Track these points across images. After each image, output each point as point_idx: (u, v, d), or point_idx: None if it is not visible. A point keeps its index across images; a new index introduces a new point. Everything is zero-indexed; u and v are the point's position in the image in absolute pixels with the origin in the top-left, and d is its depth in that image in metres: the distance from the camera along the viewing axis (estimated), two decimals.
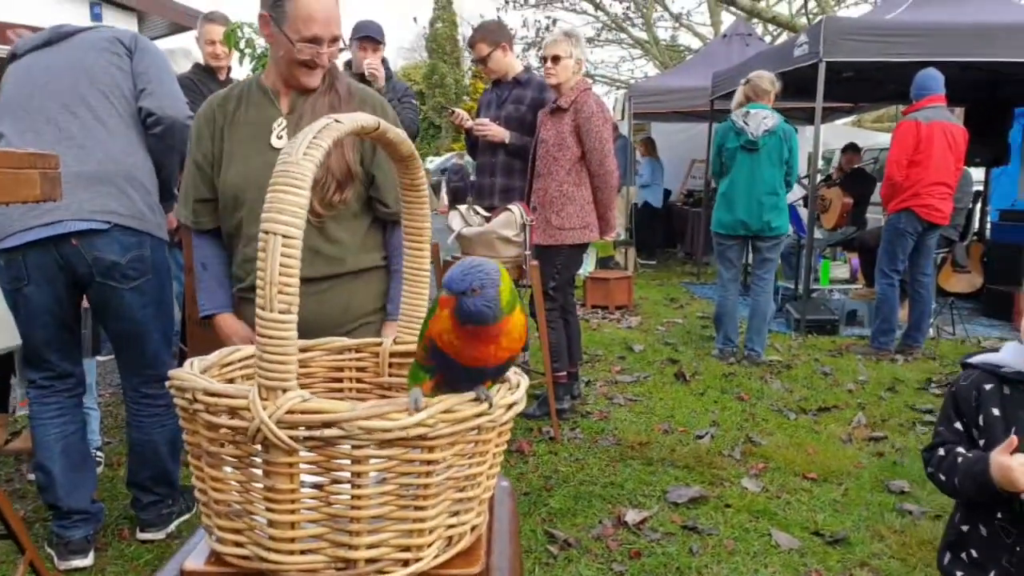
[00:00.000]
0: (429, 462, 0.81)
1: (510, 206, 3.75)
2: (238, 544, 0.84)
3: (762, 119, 5.21)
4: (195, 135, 2.03)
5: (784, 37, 15.84)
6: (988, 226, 8.49)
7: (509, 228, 3.67)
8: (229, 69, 4.00)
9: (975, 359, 1.63)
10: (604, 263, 8.57)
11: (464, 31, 20.32)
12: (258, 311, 0.76)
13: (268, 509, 0.80)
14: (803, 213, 7.08)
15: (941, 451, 1.62)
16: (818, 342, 6.21)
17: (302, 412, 0.76)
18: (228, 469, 0.84)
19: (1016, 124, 8.36)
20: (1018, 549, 1.49)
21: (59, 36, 2.63)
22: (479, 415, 0.82)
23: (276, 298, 0.75)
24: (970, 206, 7.81)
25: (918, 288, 5.82)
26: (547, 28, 17.63)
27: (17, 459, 3.63)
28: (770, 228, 5.30)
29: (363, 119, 0.87)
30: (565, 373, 4.25)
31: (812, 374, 5.24)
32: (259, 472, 0.80)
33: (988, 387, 1.58)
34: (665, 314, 7.42)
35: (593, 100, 4.06)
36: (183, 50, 4.86)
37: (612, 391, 4.80)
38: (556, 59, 4.07)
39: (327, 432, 0.76)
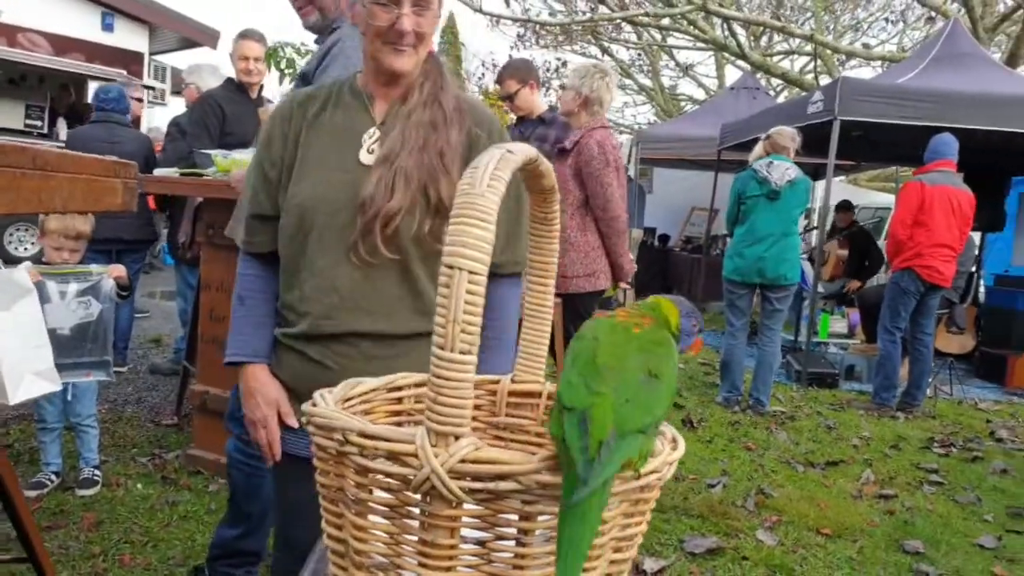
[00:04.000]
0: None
1: None
2: None
3: (785, 170, 5.27)
4: (265, 137, 1.67)
5: (786, 93, 16.13)
6: (982, 290, 8.58)
7: None
8: (262, 87, 3.96)
9: None
10: (605, 304, 8.54)
11: (468, 66, 20.44)
12: (436, 350, 0.71)
13: (422, 564, 0.74)
14: (805, 266, 7.13)
15: None
16: (819, 395, 6.20)
17: (474, 462, 0.70)
18: (373, 518, 0.78)
19: (1012, 192, 8.50)
20: None
21: None
22: (650, 472, 0.77)
23: (458, 337, 0.70)
24: (972, 270, 7.89)
25: (919, 347, 5.85)
26: (556, 70, 17.80)
27: None
28: (784, 278, 5.32)
29: (530, 151, 0.83)
30: None
31: (817, 427, 5.22)
32: (415, 524, 0.75)
33: None
34: None
35: (595, 142, 3.91)
36: (211, 66, 4.84)
37: None
38: (562, 87, 4.05)
39: (501, 485, 0.71)
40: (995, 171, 7.98)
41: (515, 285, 1.69)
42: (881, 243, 8.61)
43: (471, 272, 0.70)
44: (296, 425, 1.60)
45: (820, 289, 7.41)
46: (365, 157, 1.57)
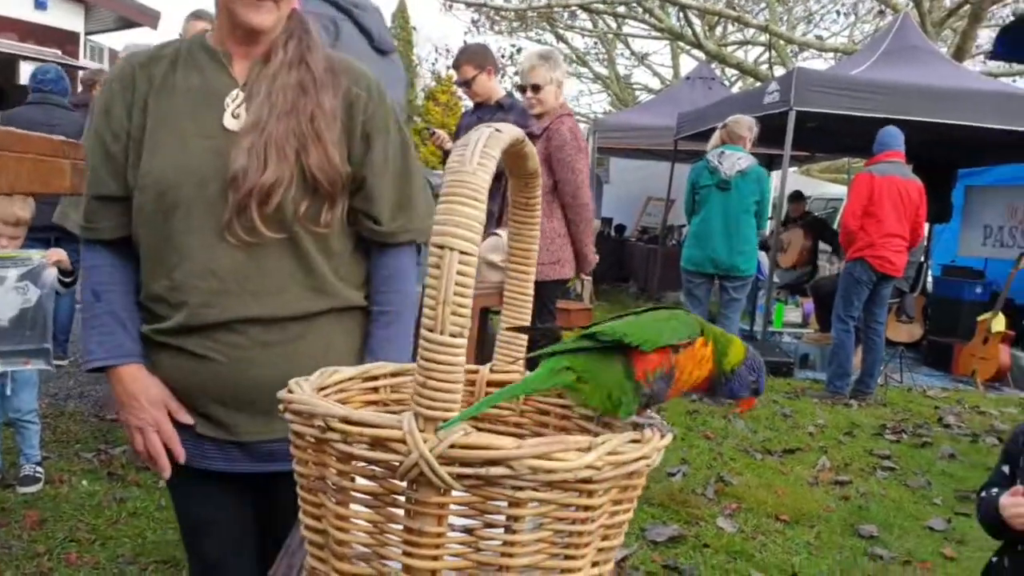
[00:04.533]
0: (588, 507, 0.74)
1: (497, 230, 3.69)
2: None
3: (736, 160, 5.30)
4: (102, 107, 1.42)
5: (741, 84, 16.33)
6: (930, 280, 8.80)
7: (496, 252, 3.61)
8: None
9: None
10: (564, 293, 8.58)
11: (420, 51, 20.26)
12: (425, 332, 0.68)
13: (407, 554, 0.72)
14: (761, 256, 7.22)
15: (984, 493, 1.67)
16: (775, 383, 6.29)
17: (464, 447, 0.68)
18: (356, 507, 0.75)
19: (959, 184, 8.73)
20: None
21: None
22: (640, 458, 0.75)
23: (449, 319, 0.67)
24: (922, 260, 8.09)
25: (871, 336, 5.97)
26: (511, 56, 17.76)
27: None
28: (738, 269, 5.37)
29: (518, 131, 0.81)
30: None
31: (773, 415, 5.30)
32: (400, 512, 0.72)
33: None
34: None
35: (567, 128, 3.89)
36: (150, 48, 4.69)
37: None
38: (536, 88, 3.99)
39: (492, 471, 0.68)
40: (943, 164, 8.18)
41: (411, 256, 1.56)
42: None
43: (462, 252, 0.68)
44: (191, 421, 1.43)
45: (776, 279, 7.52)
46: (230, 122, 1.39)
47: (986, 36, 12.94)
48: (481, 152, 0.72)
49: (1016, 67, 13.33)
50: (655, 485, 3.77)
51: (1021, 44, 5.14)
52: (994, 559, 1.70)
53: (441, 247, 0.68)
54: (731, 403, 0.90)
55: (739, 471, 4.10)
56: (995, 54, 5.41)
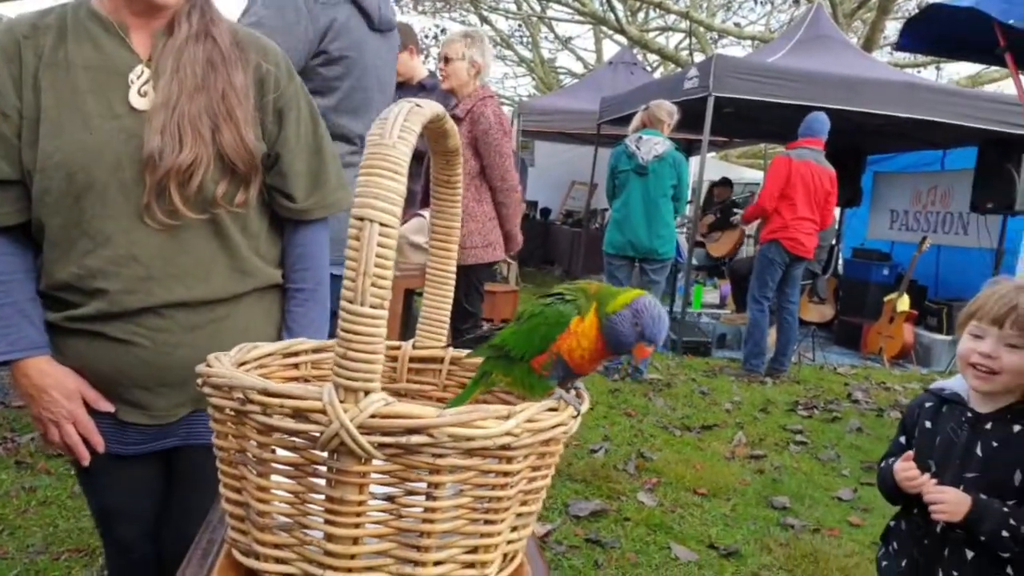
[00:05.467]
0: (507, 473, 0.76)
1: (421, 212, 3.68)
2: (282, 561, 0.76)
3: (653, 145, 5.38)
4: None
5: (662, 69, 16.58)
6: (841, 262, 9.15)
7: (420, 234, 3.60)
8: None
9: (931, 385, 1.80)
10: (490, 275, 8.62)
11: None
12: (345, 304, 0.69)
13: (329, 523, 0.73)
14: (681, 240, 7.39)
15: (883, 463, 1.78)
16: (693, 362, 6.47)
17: (384, 416, 0.69)
18: (277, 478, 0.76)
19: (867, 170, 9.08)
20: (926, 542, 1.67)
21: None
22: (556, 425, 0.78)
23: (369, 291, 0.68)
24: (833, 243, 8.40)
25: (785, 316, 6.19)
26: (435, 37, 17.61)
27: None
28: (657, 253, 5.48)
29: (438, 107, 0.82)
30: None
31: (691, 393, 5.45)
32: (322, 482, 0.73)
33: (928, 405, 1.75)
34: None
35: (492, 111, 3.85)
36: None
37: None
38: (447, 60, 3.92)
39: (413, 439, 0.70)
40: (853, 150, 8.50)
41: (324, 231, 1.56)
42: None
43: (382, 224, 0.69)
44: (111, 408, 1.39)
45: (694, 261, 7.70)
46: (137, 100, 1.32)
47: (893, 28, 13.44)
48: (401, 126, 0.73)
49: (920, 58, 13.95)
50: (578, 462, 3.84)
51: (924, 37, 5.35)
52: (892, 523, 1.80)
53: (361, 219, 0.69)
54: (629, 358, 0.97)
55: (659, 447, 4.21)
56: (900, 45, 5.62)
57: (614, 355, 0.87)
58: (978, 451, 1.60)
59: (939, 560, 1.64)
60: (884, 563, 1.79)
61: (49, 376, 1.35)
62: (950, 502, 1.55)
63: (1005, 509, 1.52)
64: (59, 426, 1.37)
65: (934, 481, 1.61)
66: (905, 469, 1.64)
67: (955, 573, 1.61)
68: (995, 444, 1.58)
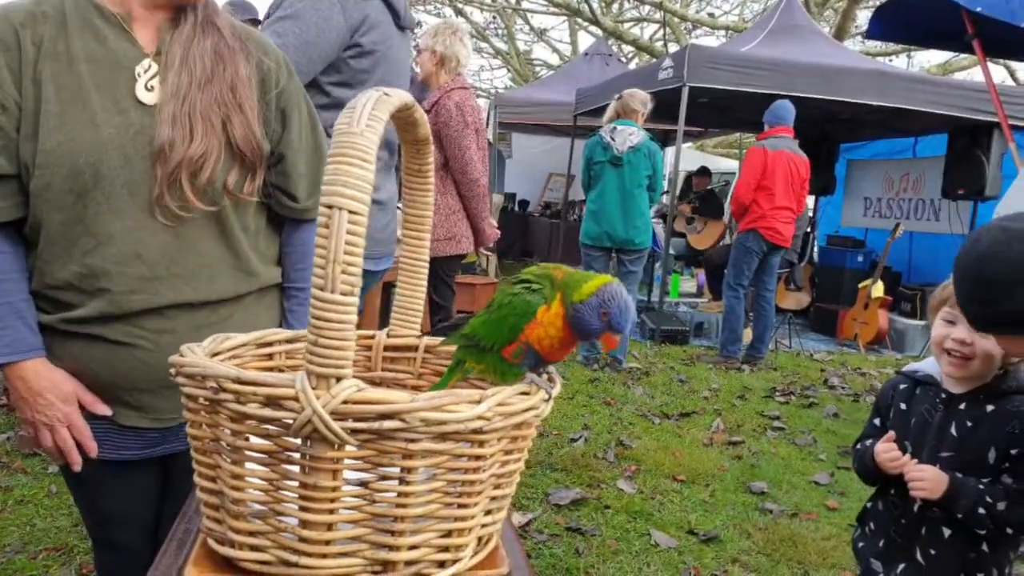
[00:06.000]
0: (479, 457, 0.77)
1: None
2: (257, 548, 0.77)
3: (628, 135, 5.39)
4: None
5: (637, 60, 16.61)
6: (816, 250, 9.24)
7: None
8: None
9: (904, 368, 1.83)
10: (468, 269, 8.61)
11: None
12: (316, 292, 0.69)
13: (303, 509, 0.74)
14: (659, 229, 7.42)
15: (859, 445, 1.81)
16: (671, 351, 6.51)
17: (356, 403, 0.70)
18: (251, 466, 0.76)
19: (841, 158, 9.17)
20: (903, 522, 1.70)
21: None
22: (528, 408, 0.79)
23: (339, 278, 0.69)
24: (808, 231, 8.48)
25: (762, 303, 6.25)
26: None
27: None
28: (633, 243, 5.50)
29: (407, 96, 0.82)
30: None
31: (670, 381, 5.49)
32: (295, 469, 0.74)
33: (902, 387, 1.78)
34: None
35: (454, 104, 3.79)
36: None
37: None
38: (419, 51, 3.89)
39: (386, 425, 0.71)
40: (827, 138, 8.58)
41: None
42: (726, 206, 9.11)
43: (351, 212, 0.69)
44: (108, 412, 1.35)
45: (672, 251, 7.75)
46: (144, 95, 1.29)
47: (864, 17, 13.55)
48: (369, 114, 0.73)
49: (891, 46, 14.08)
50: (558, 451, 3.87)
51: (894, 25, 5.42)
52: (869, 504, 1.83)
53: (330, 207, 0.69)
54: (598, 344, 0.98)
55: (638, 435, 4.25)
56: (870, 34, 5.68)
57: (584, 341, 0.89)
58: (952, 431, 1.63)
59: (916, 538, 1.66)
60: (860, 544, 1.82)
61: (45, 379, 1.31)
62: (929, 479, 1.58)
63: (980, 486, 1.55)
64: (53, 430, 1.33)
65: (914, 461, 1.64)
66: (887, 450, 1.66)
67: (932, 551, 1.64)
68: (969, 424, 1.61)
